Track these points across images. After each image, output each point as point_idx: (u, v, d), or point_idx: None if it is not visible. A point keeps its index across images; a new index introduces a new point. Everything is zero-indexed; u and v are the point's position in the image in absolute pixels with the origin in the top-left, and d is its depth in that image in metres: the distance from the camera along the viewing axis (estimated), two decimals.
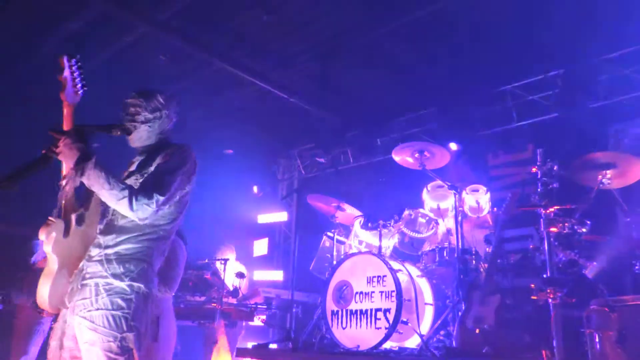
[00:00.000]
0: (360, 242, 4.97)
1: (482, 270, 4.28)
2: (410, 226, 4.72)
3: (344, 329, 4.16)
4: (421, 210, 4.84)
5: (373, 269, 4.16)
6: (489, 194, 4.78)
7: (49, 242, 2.18)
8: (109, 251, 2.27)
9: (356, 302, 4.16)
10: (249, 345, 4.83)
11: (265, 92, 6.51)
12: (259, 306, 5.51)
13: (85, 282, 2.24)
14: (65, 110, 2.26)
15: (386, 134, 7.36)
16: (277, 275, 7.32)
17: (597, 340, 3.06)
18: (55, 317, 2.33)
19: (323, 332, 4.35)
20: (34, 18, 5.21)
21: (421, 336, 3.86)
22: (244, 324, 5.61)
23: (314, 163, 8.23)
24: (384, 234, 4.68)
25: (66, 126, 2.24)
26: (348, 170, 7.76)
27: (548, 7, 4.84)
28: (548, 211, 3.60)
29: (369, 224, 4.83)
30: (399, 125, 7.22)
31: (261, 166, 8.64)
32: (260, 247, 8.54)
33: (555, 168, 3.77)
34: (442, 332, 4.10)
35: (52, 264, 2.23)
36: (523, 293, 3.89)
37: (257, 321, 5.58)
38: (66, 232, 2.24)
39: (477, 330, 3.61)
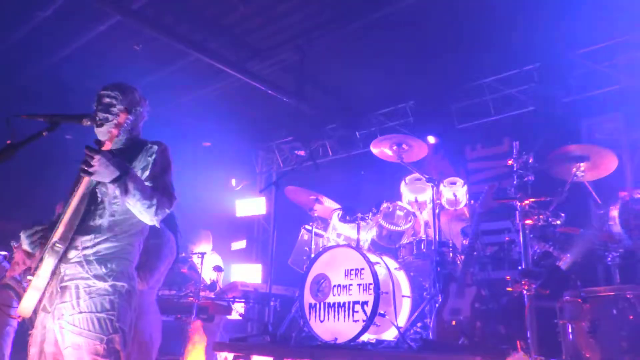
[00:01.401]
0: (339, 235, 4.96)
1: (458, 262, 4.31)
2: (388, 219, 4.73)
3: (321, 322, 4.15)
4: (399, 203, 4.85)
5: (351, 262, 4.15)
6: (466, 187, 4.81)
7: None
8: (88, 252, 2.20)
9: (334, 295, 4.15)
10: (227, 339, 4.78)
11: (242, 84, 6.43)
12: (236, 300, 5.46)
13: (64, 284, 2.17)
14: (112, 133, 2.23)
15: (365, 127, 7.36)
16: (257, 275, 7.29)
17: (570, 330, 3.11)
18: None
19: (301, 325, 4.33)
20: (5, 4, 5.05)
21: (398, 328, 3.88)
22: (221, 318, 5.56)
23: (293, 156, 8.20)
24: (362, 226, 4.67)
25: (106, 147, 2.17)
26: (327, 163, 7.75)
27: (525, 2, 4.88)
28: (523, 204, 3.63)
29: (347, 217, 4.82)
30: (377, 119, 7.23)
31: (239, 159, 8.57)
32: (239, 245, 8.50)
33: (530, 161, 3.80)
34: (419, 324, 4.12)
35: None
36: (499, 285, 3.94)
37: (235, 315, 5.53)
38: None
39: (454, 322, 3.63)
